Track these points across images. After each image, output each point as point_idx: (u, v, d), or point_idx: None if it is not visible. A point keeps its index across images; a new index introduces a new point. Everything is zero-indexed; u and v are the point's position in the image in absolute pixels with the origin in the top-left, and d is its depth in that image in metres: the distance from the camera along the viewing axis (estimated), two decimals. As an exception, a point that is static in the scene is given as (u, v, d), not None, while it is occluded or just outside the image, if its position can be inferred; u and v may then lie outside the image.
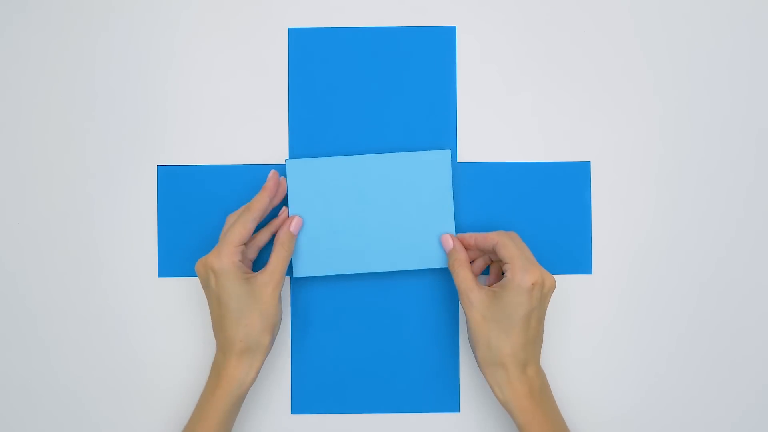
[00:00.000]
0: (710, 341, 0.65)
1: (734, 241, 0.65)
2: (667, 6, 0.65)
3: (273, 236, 0.62)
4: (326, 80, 0.65)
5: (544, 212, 0.64)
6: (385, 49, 0.65)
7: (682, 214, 0.65)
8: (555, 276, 0.64)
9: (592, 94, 0.65)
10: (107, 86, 0.65)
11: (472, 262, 0.63)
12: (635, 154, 0.65)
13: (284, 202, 0.63)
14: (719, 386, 0.64)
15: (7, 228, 0.65)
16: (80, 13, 0.65)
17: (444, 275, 0.64)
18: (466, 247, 0.62)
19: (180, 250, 0.64)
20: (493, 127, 0.65)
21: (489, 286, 0.62)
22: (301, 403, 0.64)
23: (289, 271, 0.63)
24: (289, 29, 0.65)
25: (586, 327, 0.65)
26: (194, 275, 0.64)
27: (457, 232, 0.64)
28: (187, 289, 0.65)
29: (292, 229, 0.61)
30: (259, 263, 0.63)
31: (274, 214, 0.63)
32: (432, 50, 0.65)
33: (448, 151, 0.63)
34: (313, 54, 0.65)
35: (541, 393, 0.58)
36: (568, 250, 0.64)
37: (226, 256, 0.57)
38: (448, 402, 0.64)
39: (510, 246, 0.58)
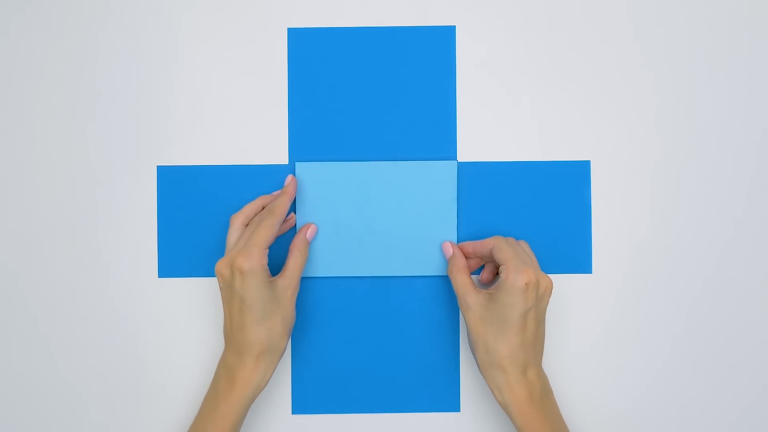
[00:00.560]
0: (709, 340, 0.65)
1: (733, 241, 0.65)
2: (665, 6, 0.65)
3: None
4: (326, 80, 0.65)
5: (543, 212, 0.64)
6: (384, 49, 0.65)
7: (682, 213, 0.65)
8: (555, 275, 0.64)
9: (591, 93, 0.65)
10: (107, 87, 0.65)
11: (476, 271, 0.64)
12: (635, 154, 0.65)
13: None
14: (718, 385, 0.65)
15: (7, 228, 0.65)
16: (80, 13, 0.65)
17: (444, 276, 0.64)
18: (466, 255, 0.62)
19: (180, 250, 0.64)
20: (493, 126, 0.65)
21: (483, 283, 0.64)
22: (302, 403, 0.64)
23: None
24: (289, 29, 0.65)
25: (586, 326, 0.65)
26: (194, 275, 0.64)
27: (457, 233, 0.64)
28: (187, 289, 0.65)
29: (308, 236, 0.62)
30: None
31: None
32: (432, 50, 0.65)
33: (455, 162, 0.64)
34: (313, 54, 0.65)
35: (542, 397, 0.58)
36: (568, 249, 0.65)
37: (256, 257, 0.57)
38: (449, 402, 0.64)
39: (505, 248, 0.59)
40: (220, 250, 0.64)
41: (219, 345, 0.64)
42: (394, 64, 0.65)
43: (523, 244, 0.62)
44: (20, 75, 0.65)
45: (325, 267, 0.64)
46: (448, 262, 0.62)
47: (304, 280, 0.64)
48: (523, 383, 0.57)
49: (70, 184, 0.65)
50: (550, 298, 0.61)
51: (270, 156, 0.65)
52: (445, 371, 0.64)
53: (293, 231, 0.64)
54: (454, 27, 0.65)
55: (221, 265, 0.58)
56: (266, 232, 0.58)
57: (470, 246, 0.62)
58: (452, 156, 0.65)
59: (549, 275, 0.60)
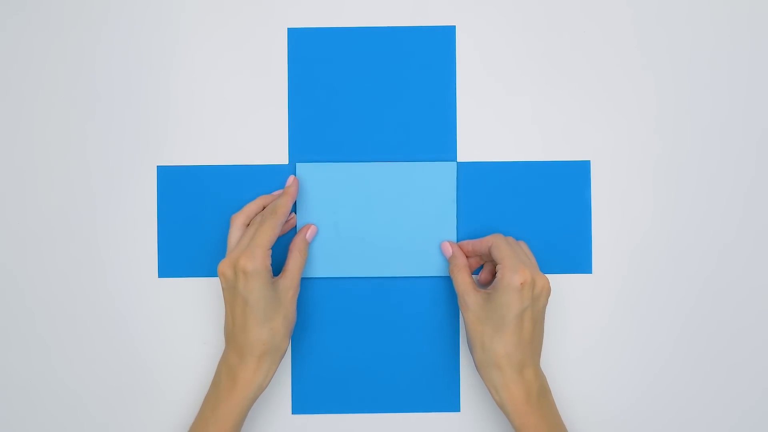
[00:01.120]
0: (710, 340, 0.65)
1: (734, 240, 0.65)
2: (666, 5, 0.65)
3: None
4: (326, 80, 0.65)
5: (543, 212, 0.64)
6: (384, 48, 0.65)
7: (682, 213, 0.65)
8: (555, 276, 0.64)
9: (591, 93, 0.65)
10: (107, 87, 0.65)
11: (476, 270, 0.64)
12: (635, 154, 0.65)
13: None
14: (719, 386, 0.64)
15: (7, 228, 0.65)
16: (80, 13, 0.65)
17: (444, 276, 0.64)
18: (466, 254, 0.62)
19: (180, 250, 0.64)
20: (493, 126, 0.65)
21: (482, 283, 0.64)
22: (302, 403, 0.64)
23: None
24: (289, 29, 0.65)
25: (586, 326, 0.65)
26: (194, 275, 0.64)
27: (457, 233, 0.64)
28: (187, 289, 0.65)
29: (308, 236, 0.62)
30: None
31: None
32: (431, 50, 0.65)
33: (454, 163, 0.64)
34: (313, 54, 0.65)
35: (539, 396, 0.58)
36: (568, 249, 0.64)
37: (260, 258, 0.57)
38: (449, 402, 0.64)
39: (502, 247, 0.59)
40: (220, 250, 0.64)
41: (219, 345, 0.64)
42: (394, 64, 0.65)
43: (523, 245, 0.62)
44: (19, 75, 0.65)
45: (325, 267, 0.64)
46: (448, 261, 0.63)
47: (304, 281, 0.64)
48: (520, 383, 0.57)
49: (70, 184, 0.65)
50: (550, 298, 0.61)
51: (270, 156, 0.65)
52: (445, 371, 0.64)
53: (293, 231, 0.64)
54: (454, 27, 0.65)
55: (224, 266, 0.58)
56: (269, 233, 0.58)
57: (470, 245, 0.62)
58: (452, 156, 0.65)
59: (547, 275, 0.60)
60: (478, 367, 0.59)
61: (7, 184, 0.65)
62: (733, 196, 0.65)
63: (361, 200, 0.64)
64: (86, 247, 0.65)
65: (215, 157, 0.65)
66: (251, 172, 0.64)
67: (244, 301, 0.57)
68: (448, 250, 0.63)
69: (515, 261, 0.58)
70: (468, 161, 0.65)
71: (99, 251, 0.65)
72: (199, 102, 0.65)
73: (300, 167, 0.64)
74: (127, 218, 0.65)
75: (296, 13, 0.65)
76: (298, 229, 0.63)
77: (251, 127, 0.65)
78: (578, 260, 0.65)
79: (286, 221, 0.63)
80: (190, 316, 0.65)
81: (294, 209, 0.64)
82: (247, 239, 0.58)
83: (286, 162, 0.65)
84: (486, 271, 0.63)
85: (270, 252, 0.58)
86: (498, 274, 0.58)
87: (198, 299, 0.65)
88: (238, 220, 0.61)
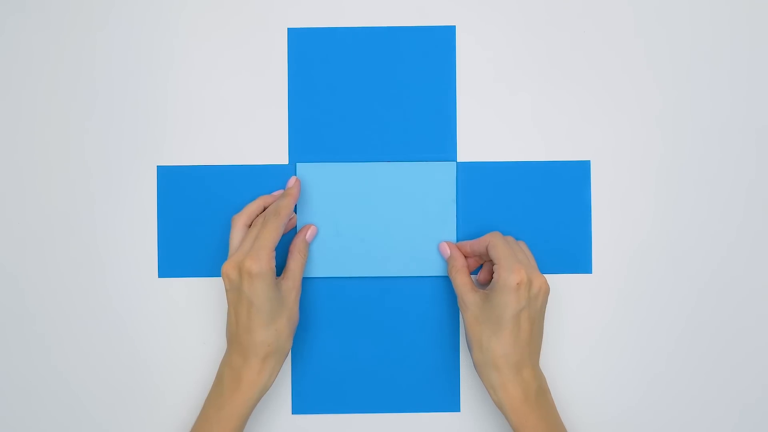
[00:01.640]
0: (710, 341, 0.65)
1: (734, 241, 0.65)
2: (666, 5, 0.65)
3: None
4: (326, 80, 0.65)
5: (544, 212, 0.64)
6: (384, 48, 0.65)
7: (682, 213, 0.65)
8: (556, 276, 0.64)
9: (592, 93, 0.65)
10: (107, 86, 0.65)
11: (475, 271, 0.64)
12: (635, 154, 0.65)
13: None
14: (719, 386, 0.64)
15: (7, 228, 0.65)
16: (79, 13, 0.65)
17: (444, 276, 0.64)
18: (464, 254, 0.62)
19: (180, 250, 0.64)
20: (493, 126, 0.65)
21: (481, 283, 0.64)
22: (302, 404, 0.64)
23: (289, 271, 0.63)
24: (289, 29, 0.65)
25: (586, 326, 0.65)
26: (195, 275, 0.64)
27: (457, 233, 0.64)
28: (187, 289, 0.65)
29: (308, 237, 0.62)
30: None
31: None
32: (432, 50, 0.65)
33: (454, 163, 0.64)
34: (313, 54, 0.65)
35: (538, 396, 0.58)
36: (568, 249, 0.64)
37: (265, 260, 0.57)
38: (449, 402, 0.64)
39: (500, 246, 0.59)
40: (220, 250, 0.64)
41: (219, 345, 0.64)
42: (394, 64, 0.65)
43: (522, 244, 0.62)
44: (19, 75, 0.65)
45: (325, 267, 0.64)
46: (447, 262, 0.63)
47: (305, 281, 0.64)
48: (518, 383, 0.57)
49: (70, 184, 0.65)
50: (550, 299, 0.61)
51: (270, 156, 0.65)
52: (445, 371, 0.64)
53: (294, 231, 0.64)
54: (454, 27, 0.65)
55: (228, 268, 0.57)
56: (272, 234, 0.58)
57: (468, 245, 0.62)
58: (452, 156, 0.65)
59: (547, 275, 0.60)
60: (477, 367, 0.59)
61: (7, 184, 0.65)
62: (733, 196, 0.65)
63: (361, 200, 0.64)
64: (86, 247, 0.65)
65: (215, 157, 0.65)
66: (251, 172, 0.64)
67: (249, 303, 0.57)
68: (446, 251, 0.63)
69: (512, 260, 0.57)
70: (468, 161, 0.65)
71: (99, 251, 0.65)
72: (199, 102, 0.65)
73: (300, 167, 0.64)
74: (127, 218, 0.65)
75: (296, 13, 0.65)
76: (298, 230, 0.63)
77: (251, 127, 0.65)
78: (578, 260, 0.65)
79: (288, 223, 0.63)
80: (190, 316, 0.65)
81: (294, 209, 0.64)
82: (251, 240, 0.58)
83: (286, 162, 0.65)
84: (485, 270, 0.63)
85: (274, 253, 0.58)
86: (495, 274, 0.58)
87: (198, 299, 0.65)
88: (240, 221, 0.61)
